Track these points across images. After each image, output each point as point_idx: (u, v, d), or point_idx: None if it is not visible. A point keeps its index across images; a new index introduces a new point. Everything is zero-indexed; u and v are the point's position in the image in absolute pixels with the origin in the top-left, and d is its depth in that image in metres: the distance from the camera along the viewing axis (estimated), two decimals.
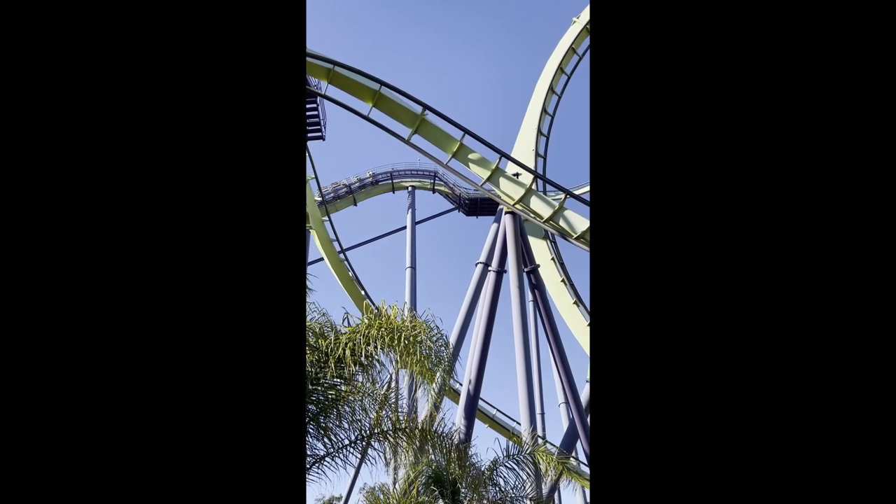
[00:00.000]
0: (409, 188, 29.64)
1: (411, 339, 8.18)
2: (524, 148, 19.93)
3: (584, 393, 19.45)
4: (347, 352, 7.60)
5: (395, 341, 8.02)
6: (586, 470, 20.25)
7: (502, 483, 10.12)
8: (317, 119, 24.01)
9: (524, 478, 10.58)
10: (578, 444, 18.58)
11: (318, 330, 8.17)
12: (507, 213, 17.51)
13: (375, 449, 9.36)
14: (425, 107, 16.28)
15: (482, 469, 10.21)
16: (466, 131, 16.33)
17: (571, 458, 20.40)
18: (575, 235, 15.71)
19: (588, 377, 19.60)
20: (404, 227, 28.39)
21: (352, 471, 11.58)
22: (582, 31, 21.19)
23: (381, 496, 10.01)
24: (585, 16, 21.38)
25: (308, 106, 22.96)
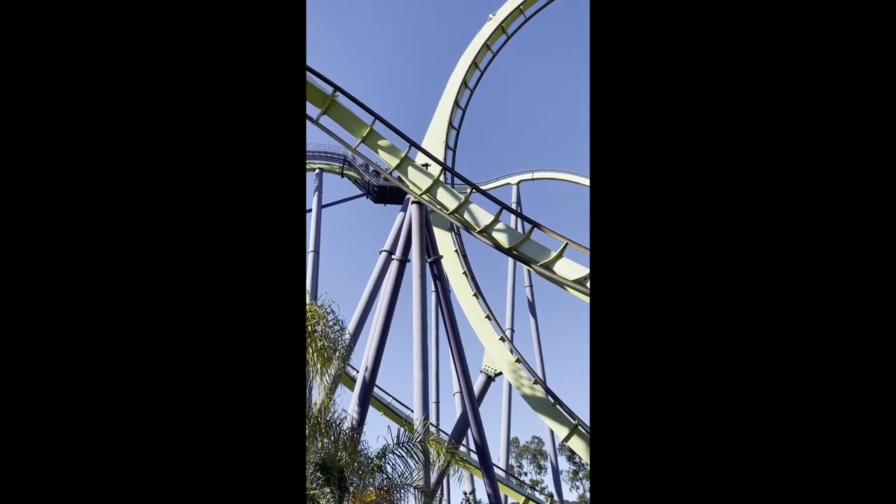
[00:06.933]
0: (317, 170, 28.96)
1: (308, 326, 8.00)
2: (434, 139, 20.02)
3: (478, 383, 19.93)
4: None
5: None
6: (475, 458, 20.80)
7: (390, 470, 10.17)
8: None
9: (413, 466, 10.68)
10: (469, 433, 19.04)
11: None
12: (413, 202, 17.54)
13: None
14: (336, 88, 15.92)
15: (371, 456, 10.21)
16: (377, 117, 16.15)
17: (461, 447, 20.86)
18: (478, 229, 16.00)
19: (483, 367, 20.11)
20: (309, 210, 27.73)
21: None
22: (497, 28, 21.53)
23: None
24: (502, 14, 21.74)
25: None
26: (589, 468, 34.96)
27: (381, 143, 16.43)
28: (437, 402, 23.19)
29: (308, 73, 15.85)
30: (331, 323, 9.69)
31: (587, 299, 13.77)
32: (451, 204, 16.23)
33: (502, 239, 15.70)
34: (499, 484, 21.04)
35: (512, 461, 35.58)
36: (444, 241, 19.13)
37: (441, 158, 18.64)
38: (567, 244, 14.29)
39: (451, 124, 20.35)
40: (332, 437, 9.48)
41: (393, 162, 16.31)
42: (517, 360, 18.29)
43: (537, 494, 31.41)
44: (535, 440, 42.73)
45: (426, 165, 17.02)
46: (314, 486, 9.15)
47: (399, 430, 11.49)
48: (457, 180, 19.10)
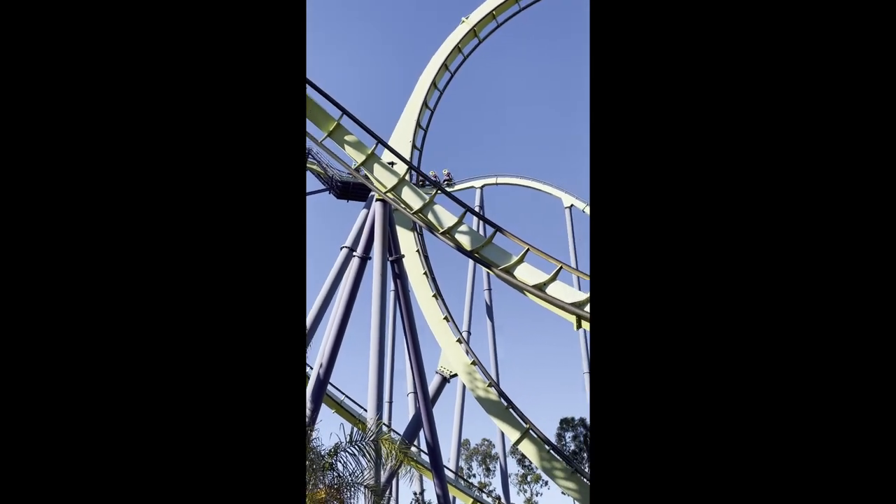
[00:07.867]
0: None
1: None
2: (402, 138, 19.95)
3: (433, 384, 19.92)
4: None
5: None
6: (426, 458, 20.79)
7: (341, 468, 10.08)
8: None
9: (364, 464, 10.61)
10: (422, 433, 19.02)
11: None
12: (377, 200, 17.43)
13: None
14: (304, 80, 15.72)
15: (323, 454, 10.09)
16: (345, 111, 15.99)
17: (413, 447, 20.82)
18: (442, 230, 16.01)
19: (438, 368, 20.12)
20: None
21: None
22: (469, 32, 21.60)
23: None
24: (475, 17, 21.82)
25: None
26: (538, 472, 35.37)
27: (347, 138, 16.27)
28: (391, 402, 23.09)
29: None
30: None
31: (546, 305, 13.93)
32: (416, 203, 16.19)
33: (465, 241, 15.75)
34: (448, 485, 21.07)
35: (462, 463, 35.71)
36: (407, 240, 19.08)
37: (408, 157, 18.59)
38: (528, 249, 14.43)
39: (418, 124, 20.32)
40: None
41: (359, 158, 16.17)
42: (473, 363, 18.36)
43: (485, 496, 31.60)
44: (485, 442, 43.01)
45: (392, 164, 16.93)
46: None
47: (352, 428, 11.40)
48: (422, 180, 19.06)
